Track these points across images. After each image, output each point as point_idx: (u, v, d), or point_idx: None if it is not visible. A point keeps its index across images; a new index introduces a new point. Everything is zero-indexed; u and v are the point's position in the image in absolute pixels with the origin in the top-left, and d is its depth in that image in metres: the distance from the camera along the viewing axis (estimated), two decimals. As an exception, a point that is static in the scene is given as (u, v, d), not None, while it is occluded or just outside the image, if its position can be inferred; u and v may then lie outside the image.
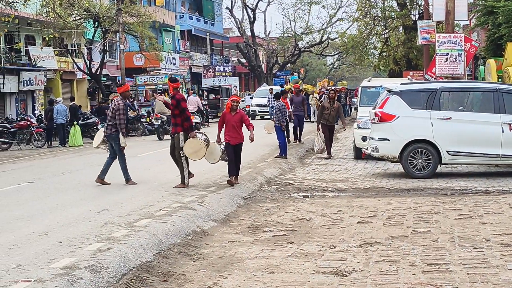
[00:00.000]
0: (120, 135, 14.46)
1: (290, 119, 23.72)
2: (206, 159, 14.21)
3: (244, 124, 14.35)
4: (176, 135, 13.92)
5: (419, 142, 15.66)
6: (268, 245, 9.24)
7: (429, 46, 30.69)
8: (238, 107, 14.62)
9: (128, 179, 14.67)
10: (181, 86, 44.28)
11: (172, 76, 15.91)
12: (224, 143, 14.26)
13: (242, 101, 46.40)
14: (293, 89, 27.18)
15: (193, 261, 8.57)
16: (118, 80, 45.95)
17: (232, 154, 14.21)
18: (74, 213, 11.33)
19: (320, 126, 20.70)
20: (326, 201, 12.88)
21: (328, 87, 44.75)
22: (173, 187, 13.79)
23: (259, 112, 45.46)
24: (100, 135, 15.29)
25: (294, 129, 24.40)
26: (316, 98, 36.73)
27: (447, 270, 7.49)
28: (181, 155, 13.79)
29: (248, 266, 8.16)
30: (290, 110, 23.63)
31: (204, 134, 14.56)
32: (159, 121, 29.44)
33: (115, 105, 14.55)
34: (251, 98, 50.88)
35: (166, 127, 28.40)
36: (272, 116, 23.10)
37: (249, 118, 15.16)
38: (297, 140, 24.40)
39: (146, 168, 17.39)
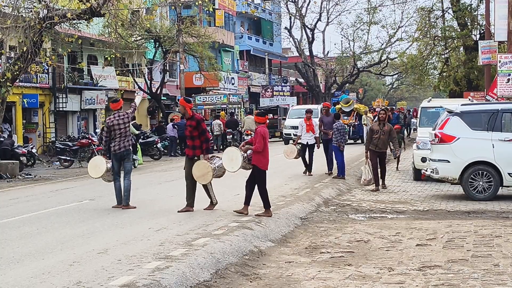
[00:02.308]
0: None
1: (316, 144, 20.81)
2: (224, 165, 13.28)
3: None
4: (196, 158, 13.35)
5: (480, 164, 15.43)
6: (326, 267, 9.19)
7: (490, 67, 30.21)
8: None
9: (128, 204, 14.32)
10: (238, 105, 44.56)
11: (185, 97, 15.44)
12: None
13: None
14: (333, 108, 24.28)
15: (250, 281, 8.58)
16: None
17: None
18: (133, 231, 11.47)
19: (368, 153, 17.96)
20: (385, 223, 12.76)
21: (378, 107, 44.18)
22: (204, 209, 13.50)
23: (294, 135, 37.01)
24: (100, 163, 14.57)
25: (328, 157, 20.67)
26: (371, 118, 36.24)
27: (509, 296, 7.35)
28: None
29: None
30: (316, 133, 20.57)
31: (217, 157, 13.82)
32: (249, 137, 30.80)
33: (120, 118, 14.49)
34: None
35: None
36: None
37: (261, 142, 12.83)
38: (329, 172, 20.54)
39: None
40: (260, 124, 13.00)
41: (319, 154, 21.23)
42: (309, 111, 21.41)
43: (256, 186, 12.83)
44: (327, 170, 20.75)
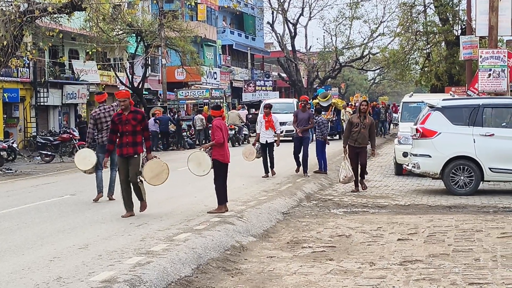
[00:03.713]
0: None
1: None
2: (193, 172, 12.85)
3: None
4: (136, 156, 12.23)
5: (461, 158, 15.49)
6: (307, 261, 9.18)
7: (471, 62, 30.32)
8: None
9: (111, 195, 14.43)
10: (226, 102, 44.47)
11: (123, 90, 14.33)
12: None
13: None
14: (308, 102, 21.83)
15: (232, 277, 8.56)
16: (160, 94, 46.31)
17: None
18: (114, 226, 11.41)
19: (346, 148, 16.51)
20: (366, 218, 12.77)
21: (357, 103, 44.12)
22: (140, 211, 12.44)
23: (286, 133, 32.08)
24: (89, 155, 14.23)
25: (295, 155, 19.26)
26: (349, 112, 36.01)
27: (489, 290, 7.37)
28: (138, 179, 12.25)
29: (286, 283, 8.12)
30: (276, 130, 19.08)
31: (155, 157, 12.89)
32: (233, 131, 32.36)
33: (106, 111, 14.39)
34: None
35: (238, 136, 34.32)
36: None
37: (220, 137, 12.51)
38: (304, 172, 18.93)
39: (186, 182, 17.44)
40: (216, 118, 12.83)
41: (288, 153, 20.61)
42: (267, 107, 19.23)
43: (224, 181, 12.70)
44: (297, 169, 19.19)
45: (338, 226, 11.79)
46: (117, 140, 12.38)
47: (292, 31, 61.70)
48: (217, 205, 12.64)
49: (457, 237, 10.43)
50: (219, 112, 12.87)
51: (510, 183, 16.79)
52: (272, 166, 18.95)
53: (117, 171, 13.18)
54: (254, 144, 19.19)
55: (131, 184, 12.26)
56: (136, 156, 12.25)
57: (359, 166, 16.53)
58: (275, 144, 18.97)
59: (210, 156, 12.67)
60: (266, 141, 18.83)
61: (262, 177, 18.49)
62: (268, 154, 18.86)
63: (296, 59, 62.38)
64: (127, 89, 37.64)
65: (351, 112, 35.68)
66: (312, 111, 20.74)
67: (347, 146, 16.46)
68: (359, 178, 16.59)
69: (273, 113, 19.52)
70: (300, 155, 19.09)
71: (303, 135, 19.02)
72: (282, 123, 31.59)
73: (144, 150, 12.48)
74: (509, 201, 14.46)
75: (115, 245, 9.68)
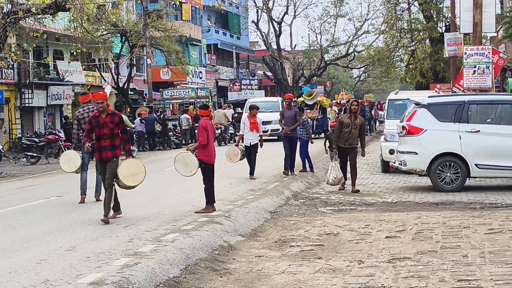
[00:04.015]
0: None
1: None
2: (180, 173, 12.79)
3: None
4: (115, 159, 11.92)
5: (447, 155, 15.54)
6: (296, 260, 9.17)
7: (456, 59, 30.47)
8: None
9: (98, 196, 14.09)
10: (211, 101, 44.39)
11: (100, 92, 13.68)
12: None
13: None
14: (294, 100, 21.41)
15: (220, 277, 8.53)
16: (145, 94, 46.19)
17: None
18: (101, 227, 11.36)
19: (337, 148, 16.24)
20: (354, 215, 12.78)
21: (343, 100, 43.97)
22: (101, 220, 11.78)
23: (271, 132, 33.63)
24: (74, 157, 14.02)
25: (286, 157, 18.76)
26: (335, 111, 35.84)
27: (478, 287, 7.38)
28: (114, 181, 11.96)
29: (275, 282, 8.10)
30: (260, 132, 18.53)
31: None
32: (219, 130, 32.00)
33: (90, 111, 14.06)
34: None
35: (224, 135, 34.35)
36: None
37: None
38: (289, 171, 18.63)
39: (173, 182, 17.39)
40: (203, 117, 12.76)
41: (273, 153, 20.41)
42: (254, 107, 18.56)
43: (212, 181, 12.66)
44: (284, 169, 18.71)
45: (326, 225, 11.79)
46: (95, 143, 12.05)
47: (277, 29, 61.68)
48: (204, 204, 12.60)
49: (445, 234, 10.45)
50: (206, 111, 12.83)
51: (496, 179, 16.88)
52: (252, 172, 18.27)
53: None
54: (237, 145, 18.56)
55: (111, 186, 11.92)
56: (114, 159, 11.91)
57: (349, 167, 16.31)
58: (259, 145, 18.37)
59: (196, 157, 12.63)
60: (250, 143, 18.28)
61: (250, 178, 18.14)
62: (251, 156, 18.28)
63: (281, 57, 62.38)
64: (104, 92, 37.45)
65: (337, 111, 35.58)
66: (298, 108, 20.58)
67: (337, 146, 16.16)
68: (351, 180, 16.27)
69: (263, 112, 19.35)
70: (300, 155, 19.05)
71: (292, 134, 18.62)
72: (267, 122, 31.89)
73: (123, 153, 12.13)
74: (496, 197, 14.52)
75: (102, 246, 9.64)
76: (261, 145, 18.47)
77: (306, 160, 19.49)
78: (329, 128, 36.48)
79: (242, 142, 18.47)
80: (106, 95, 12.49)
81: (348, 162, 16.30)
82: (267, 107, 36.28)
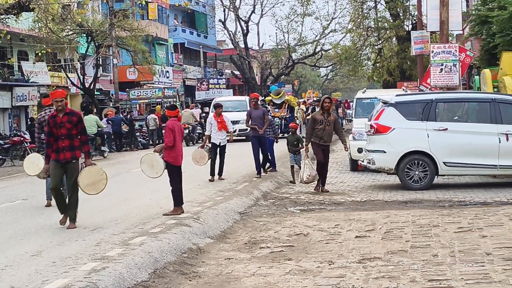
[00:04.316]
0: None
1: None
2: (146, 174, 12.58)
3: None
4: (74, 161, 11.43)
5: (416, 153, 15.57)
6: (266, 262, 9.09)
7: (423, 57, 30.62)
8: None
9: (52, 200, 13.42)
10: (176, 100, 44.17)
11: (59, 90, 12.65)
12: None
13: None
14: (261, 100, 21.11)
15: (189, 280, 8.42)
16: (112, 95, 45.85)
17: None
18: (67, 231, 11.17)
19: (310, 145, 16.07)
20: (323, 215, 12.73)
21: (317, 97, 44.05)
22: (67, 228, 11.45)
23: (239, 132, 31.69)
24: (37, 160, 13.18)
25: (256, 157, 18.36)
26: (303, 110, 35.74)
27: (449, 286, 7.35)
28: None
29: (245, 285, 8.01)
30: (229, 130, 18.49)
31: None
32: (187, 130, 31.31)
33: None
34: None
35: (192, 135, 33.93)
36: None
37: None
38: (262, 171, 18.46)
39: (140, 183, 17.21)
40: (171, 118, 12.60)
41: (242, 153, 20.22)
42: (217, 106, 18.30)
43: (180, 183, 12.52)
44: (256, 171, 18.33)
45: (295, 225, 11.71)
46: (53, 145, 11.44)
47: (244, 28, 61.64)
48: (172, 207, 12.46)
49: (414, 233, 10.43)
50: (174, 112, 12.69)
51: (464, 176, 16.96)
52: (220, 172, 17.91)
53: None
54: (203, 147, 17.71)
55: (66, 191, 11.59)
56: (74, 161, 11.42)
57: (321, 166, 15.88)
58: (228, 145, 18.24)
59: (163, 158, 12.49)
60: (219, 142, 17.93)
61: (209, 180, 17.54)
62: (219, 157, 17.99)
63: (249, 56, 62.35)
64: (63, 89, 37.17)
65: (304, 110, 35.56)
66: (265, 107, 20.41)
67: (310, 144, 15.93)
68: (321, 180, 15.99)
69: (225, 111, 19.09)
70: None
71: (262, 134, 18.22)
72: (234, 122, 30.57)
73: (83, 155, 11.70)
74: (464, 195, 14.58)
75: (69, 251, 9.46)
76: (231, 140, 18.62)
77: (270, 158, 19.17)
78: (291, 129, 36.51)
79: (209, 142, 18.00)
80: (65, 93, 11.93)
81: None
82: (234, 107, 35.71)
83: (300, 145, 17.71)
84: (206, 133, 18.56)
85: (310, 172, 15.77)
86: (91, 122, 29.37)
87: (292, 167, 17.93)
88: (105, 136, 30.92)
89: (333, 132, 16.01)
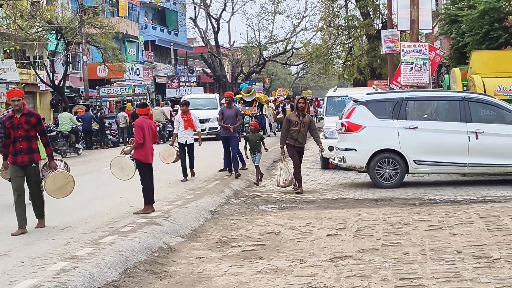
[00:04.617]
0: None
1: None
2: (117, 177, 12.65)
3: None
4: (34, 165, 10.96)
5: (386, 151, 15.63)
6: (237, 261, 9.04)
7: (393, 55, 30.78)
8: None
9: None
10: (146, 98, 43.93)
11: (16, 88, 12.53)
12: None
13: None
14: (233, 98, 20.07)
15: (160, 279, 8.35)
16: (82, 92, 45.48)
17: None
18: (36, 230, 11.03)
19: (284, 148, 15.54)
20: (295, 213, 12.71)
21: (288, 95, 44.01)
22: (36, 227, 11.22)
23: (209, 131, 32.19)
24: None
25: (225, 156, 18.38)
26: (272, 108, 35.57)
27: (420, 285, 7.36)
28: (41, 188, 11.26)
29: (216, 284, 7.96)
30: (197, 129, 17.95)
31: (64, 162, 12.69)
32: (157, 128, 29.77)
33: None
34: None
35: (162, 133, 32.90)
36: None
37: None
38: (231, 172, 18.01)
39: (110, 182, 17.04)
40: (141, 116, 12.48)
41: (213, 151, 19.96)
42: (183, 103, 17.81)
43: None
44: (225, 170, 18.37)
45: (267, 223, 11.69)
46: (11, 147, 10.99)
47: (215, 26, 61.45)
48: (143, 205, 12.37)
49: (386, 231, 10.45)
50: (145, 110, 12.60)
51: (434, 175, 17.05)
52: (191, 166, 17.68)
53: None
54: (171, 145, 17.44)
55: (30, 195, 11.29)
56: (34, 165, 10.96)
57: (294, 168, 15.51)
58: (196, 144, 17.72)
59: (132, 158, 12.38)
60: (186, 141, 17.51)
61: (181, 181, 17.17)
62: (188, 156, 17.71)
63: (220, 54, 62.19)
64: (21, 88, 36.82)
65: (274, 108, 35.49)
66: (235, 105, 20.19)
67: (284, 146, 15.41)
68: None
69: (194, 109, 18.88)
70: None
71: (231, 134, 17.83)
72: (204, 120, 30.48)
73: (46, 157, 11.33)
74: (434, 193, 14.65)
75: (38, 250, 9.34)
76: (200, 143, 17.95)
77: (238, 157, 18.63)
78: (267, 125, 36.50)
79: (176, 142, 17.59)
80: (22, 92, 11.50)
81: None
82: (204, 104, 34.91)
83: (262, 144, 17.23)
84: (174, 131, 18.11)
85: (286, 176, 15.42)
86: (65, 120, 29.43)
87: (257, 167, 17.24)
88: (80, 133, 30.84)
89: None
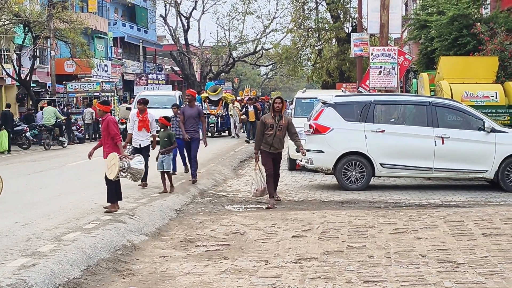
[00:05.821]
0: None
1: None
2: (109, 177, 12.03)
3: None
4: None
5: (353, 154, 15.66)
6: (201, 261, 8.97)
7: (362, 59, 30.92)
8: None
9: None
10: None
11: None
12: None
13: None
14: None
15: (123, 278, 8.25)
16: (49, 87, 45.00)
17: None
18: (-2, 225, 10.85)
19: (259, 154, 13.90)
20: (261, 214, 12.66)
21: (255, 96, 43.70)
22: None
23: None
24: None
25: (182, 158, 17.44)
26: (238, 107, 35.14)
27: (384, 288, 7.36)
28: None
29: (180, 283, 7.88)
30: (152, 131, 15.70)
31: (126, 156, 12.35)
32: (124, 125, 29.45)
33: None
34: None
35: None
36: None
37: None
38: (193, 176, 16.57)
39: (75, 178, 16.91)
40: (106, 113, 12.23)
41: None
42: (141, 102, 15.67)
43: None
44: (186, 170, 17.60)
45: (232, 223, 11.62)
46: None
47: (185, 24, 61.24)
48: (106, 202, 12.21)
49: (351, 234, 10.45)
50: (109, 107, 12.46)
51: (399, 178, 17.13)
52: (145, 178, 15.18)
53: None
54: (125, 147, 14.15)
55: None
56: None
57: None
58: (150, 147, 15.68)
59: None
60: (140, 144, 15.46)
61: (138, 185, 15.30)
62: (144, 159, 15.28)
63: (189, 52, 61.98)
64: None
65: (239, 107, 35.17)
66: (199, 105, 19.55)
67: (259, 152, 13.89)
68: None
69: (151, 107, 17.74)
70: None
71: (194, 136, 16.47)
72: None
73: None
74: (400, 197, 14.72)
75: (-2, 246, 9.18)
76: (153, 147, 15.69)
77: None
78: (232, 125, 35.98)
79: (131, 143, 15.56)
80: None
81: (273, 168, 13.95)
82: (163, 102, 30.93)
83: (172, 143, 15.20)
84: (129, 131, 15.87)
85: (258, 186, 14.01)
86: (49, 114, 29.68)
87: (162, 173, 14.84)
88: (64, 127, 30.96)
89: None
